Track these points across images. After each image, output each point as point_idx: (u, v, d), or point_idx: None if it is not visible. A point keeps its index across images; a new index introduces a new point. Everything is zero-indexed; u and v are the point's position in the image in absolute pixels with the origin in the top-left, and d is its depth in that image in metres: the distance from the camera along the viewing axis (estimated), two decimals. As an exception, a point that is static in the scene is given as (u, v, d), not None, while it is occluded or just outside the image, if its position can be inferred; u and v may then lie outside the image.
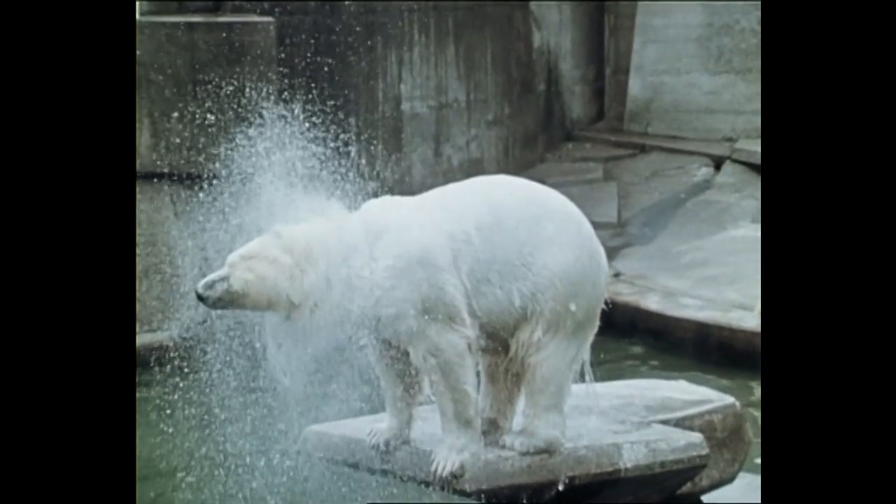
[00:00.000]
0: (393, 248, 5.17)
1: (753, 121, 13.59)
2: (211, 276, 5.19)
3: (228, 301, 5.16)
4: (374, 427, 5.49)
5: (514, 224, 5.27)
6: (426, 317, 5.12)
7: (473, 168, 13.35)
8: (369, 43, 12.49)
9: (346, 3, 12.27)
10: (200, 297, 5.15)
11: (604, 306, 5.50)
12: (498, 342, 5.34)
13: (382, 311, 5.16)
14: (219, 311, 5.22)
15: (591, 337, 5.46)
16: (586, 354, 5.46)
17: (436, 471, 5.26)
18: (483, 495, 5.29)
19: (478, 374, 5.43)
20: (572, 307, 5.30)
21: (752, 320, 9.61)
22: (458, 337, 5.18)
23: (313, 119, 5.72)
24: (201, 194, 6.00)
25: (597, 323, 5.47)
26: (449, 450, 5.26)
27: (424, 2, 13.15)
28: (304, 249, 5.17)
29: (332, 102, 10.78)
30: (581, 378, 5.49)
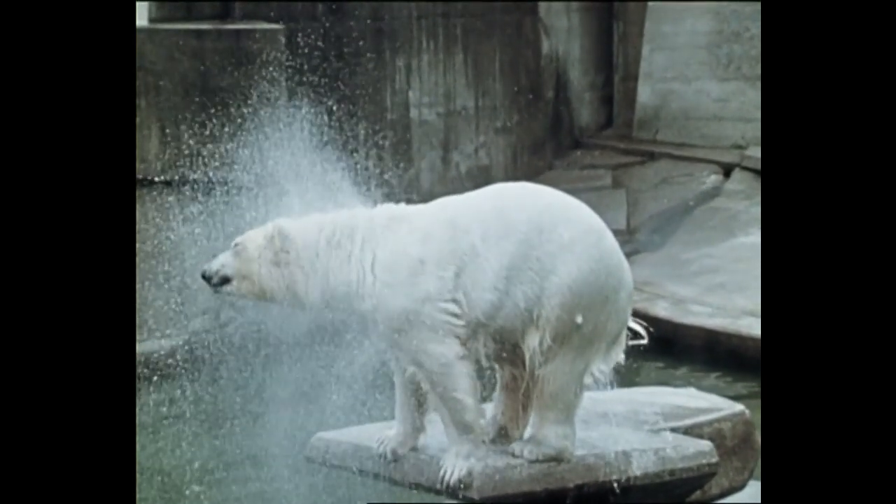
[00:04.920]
0: (387, 256, 5.20)
1: (762, 128, 13.59)
2: (216, 261, 5.35)
3: (228, 287, 5.35)
4: (383, 435, 5.48)
5: (524, 229, 5.24)
6: (409, 324, 5.15)
7: (482, 175, 13.36)
8: (378, 50, 12.50)
9: (355, 9, 12.28)
10: (204, 277, 5.38)
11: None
12: (508, 348, 5.32)
13: (376, 314, 5.20)
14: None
15: (604, 353, 5.37)
16: (607, 367, 5.38)
17: (443, 478, 5.25)
18: (491, 503, 5.27)
19: (494, 380, 5.42)
20: (578, 319, 5.26)
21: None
22: (444, 348, 5.17)
23: (321, 126, 5.74)
24: (209, 201, 6.03)
25: (614, 338, 5.38)
26: (455, 457, 5.25)
27: (433, 6, 13.15)
28: (304, 247, 5.26)
29: (340, 109, 10.80)
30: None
